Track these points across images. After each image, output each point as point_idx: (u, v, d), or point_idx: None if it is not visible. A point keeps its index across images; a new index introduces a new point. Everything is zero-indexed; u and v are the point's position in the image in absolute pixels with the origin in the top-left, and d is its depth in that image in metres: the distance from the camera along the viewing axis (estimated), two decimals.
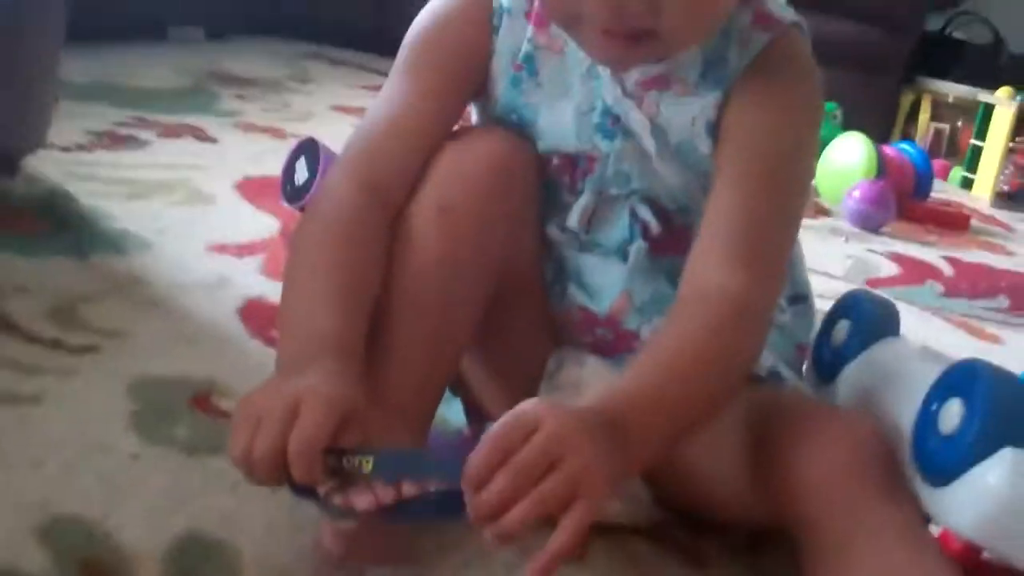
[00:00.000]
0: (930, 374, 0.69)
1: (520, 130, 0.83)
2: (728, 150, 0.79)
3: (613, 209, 0.84)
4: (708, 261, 0.75)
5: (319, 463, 0.61)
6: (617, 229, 0.84)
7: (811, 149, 0.86)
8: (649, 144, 0.81)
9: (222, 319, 0.97)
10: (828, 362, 0.87)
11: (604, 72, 0.81)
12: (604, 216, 0.84)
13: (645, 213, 0.83)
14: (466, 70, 0.84)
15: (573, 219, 0.83)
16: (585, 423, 0.59)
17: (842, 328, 0.87)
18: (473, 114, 0.90)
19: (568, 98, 0.82)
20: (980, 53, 3.86)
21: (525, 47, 0.83)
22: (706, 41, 0.80)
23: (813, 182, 2.52)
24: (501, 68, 0.83)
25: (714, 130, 0.80)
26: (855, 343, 0.85)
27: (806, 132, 0.83)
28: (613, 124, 0.82)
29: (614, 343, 0.84)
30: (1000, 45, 3.87)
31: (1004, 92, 3.08)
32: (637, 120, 0.81)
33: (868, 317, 0.87)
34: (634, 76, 0.81)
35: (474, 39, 0.84)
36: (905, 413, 0.72)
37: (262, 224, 1.31)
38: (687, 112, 0.80)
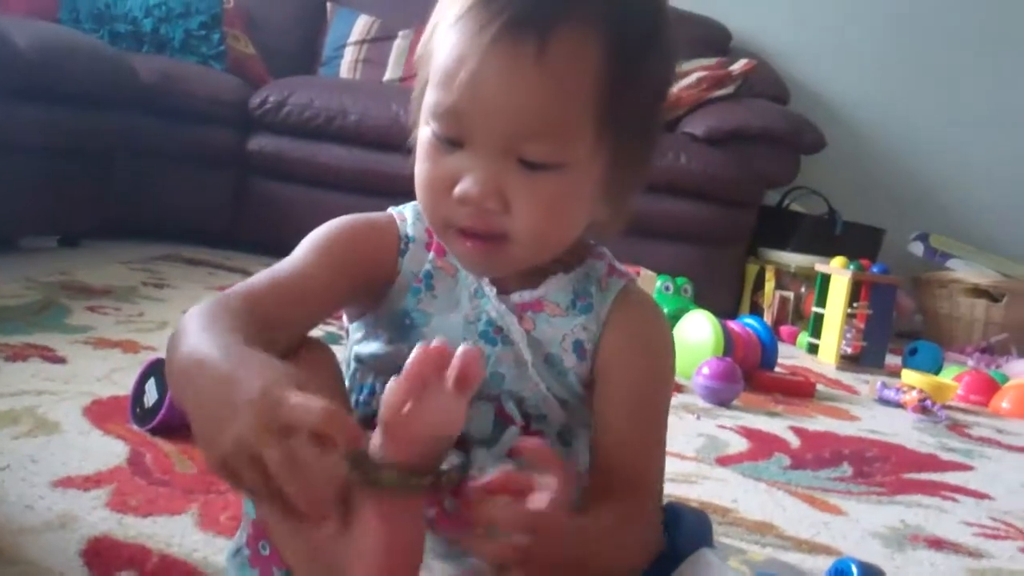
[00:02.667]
0: None
1: (410, 333, 0.95)
2: (608, 392, 0.96)
3: (482, 408, 0.93)
4: (605, 488, 0.90)
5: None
6: (484, 425, 0.94)
7: (672, 378, 1.03)
8: (526, 353, 0.93)
9: (65, 564, 0.95)
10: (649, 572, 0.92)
11: (490, 292, 0.95)
12: (472, 413, 0.90)
13: (512, 409, 0.94)
14: (366, 283, 0.95)
15: None
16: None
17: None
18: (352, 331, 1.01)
19: (458, 311, 0.94)
20: (816, 224, 4.04)
21: (426, 267, 0.96)
22: (564, 271, 0.97)
23: None
24: (405, 284, 0.96)
25: (579, 350, 0.95)
26: (676, 554, 0.91)
27: (667, 365, 1.01)
28: (496, 333, 0.94)
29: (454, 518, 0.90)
30: (833, 215, 4.05)
31: (838, 262, 3.23)
32: (517, 331, 0.94)
33: (685, 530, 0.97)
34: (514, 299, 0.95)
35: (382, 259, 0.96)
36: None
37: (110, 451, 1.29)
38: (559, 331, 0.95)
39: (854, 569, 1.00)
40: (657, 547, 0.92)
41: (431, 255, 0.96)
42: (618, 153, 0.88)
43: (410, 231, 0.97)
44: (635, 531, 0.89)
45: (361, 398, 0.98)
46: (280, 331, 0.85)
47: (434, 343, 0.72)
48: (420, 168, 0.89)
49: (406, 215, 0.98)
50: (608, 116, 0.84)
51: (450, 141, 0.85)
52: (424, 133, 0.88)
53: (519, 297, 0.95)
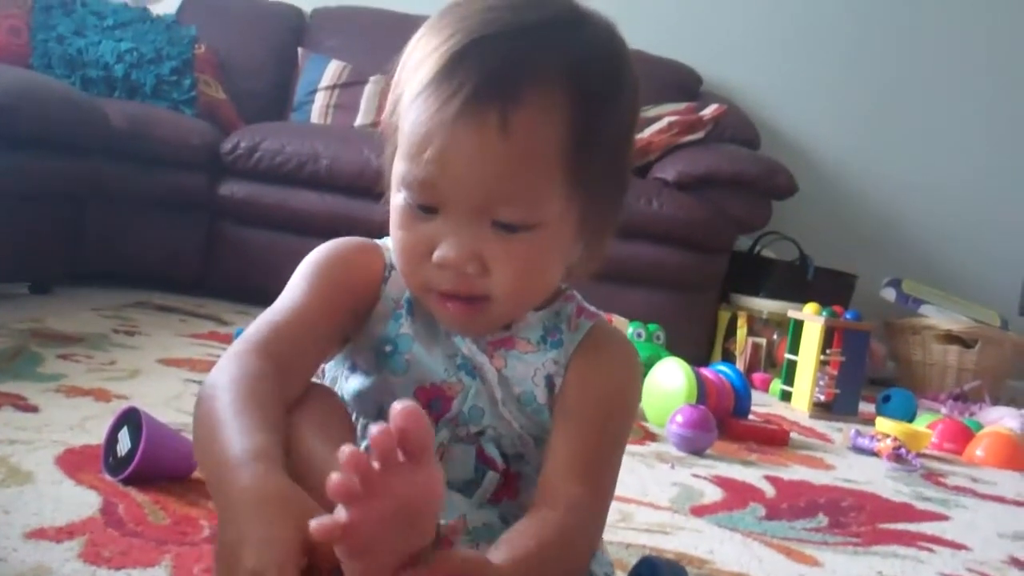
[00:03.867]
0: None
1: (391, 359, 0.95)
2: (569, 408, 0.96)
3: (463, 450, 0.94)
4: (557, 490, 0.90)
5: None
6: (465, 469, 0.95)
7: (635, 407, 1.04)
8: (497, 391, 0.94)
9: None
10: None
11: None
12: (454, 456, 0.94)
13: (492, 451, 0.94)
14: (356, 308, 0.96)
15: None
16: None
17: None
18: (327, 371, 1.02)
19: (436, 343, 0.95)
20: (788, 269, 4.06)
21: (407, 294, 0.97)
22: (535, 308, 0.98)
23: (640, 406, 2.60)
24: (384, 311, 0.96)
25: (550, 383, 0.97)
26: None
27: (628, 396, 1.02)
28: (474, 367, 0.95)
29: None
30: (806, 261, 4.06)
31: (811, 308, 3.24)
32: (489, 370, 0.95)
33: None
34: (486, 338, 0.96)
35: (369, 284, 0.98)
36: None
37: (83, 501, 1.27)
38: (530, 366, 0.96)
39: None
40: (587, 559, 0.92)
41: None
42: (590, 203, 0.90)
43: (394, 259, 0.97)
44: (564, 552, 0.86)
45: None
46: (295, 376, 0.88)
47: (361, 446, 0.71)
48: (397, 235, 0.91)
49: (389, 245, 0.99)
50: (577, 170, 0.86)
51: (424, 208, 0.87)
52: (398, 200, 0.90)
53: (490, 336, 0.96)
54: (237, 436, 0.75)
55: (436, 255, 0.86)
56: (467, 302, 0.88)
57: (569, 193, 0.87)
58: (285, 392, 0.86)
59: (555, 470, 0.91)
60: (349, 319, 0.96)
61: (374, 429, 0.64)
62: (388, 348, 0.95)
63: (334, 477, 0.63)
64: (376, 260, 0.99)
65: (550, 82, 0.84)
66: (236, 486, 0.71)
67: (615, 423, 0.98)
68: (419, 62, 0.86)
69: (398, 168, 0.88)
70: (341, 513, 0.65)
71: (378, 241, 1.01)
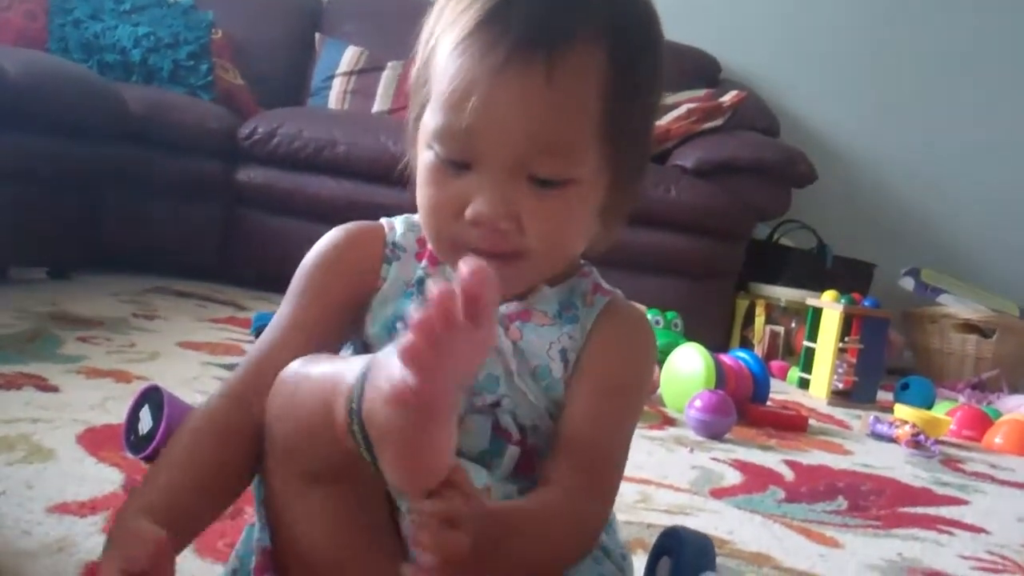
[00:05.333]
0: None
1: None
2: (584, 384, 0.94)
3: (480, 421, 0.92)
4: (561, 466, 0.89)
5: None
6: (480, 439, 0.92)
7: (646, 390, 1.03)
8: (512, 363, 0.92)
9: None
10: None
11: None
12: (471, 427, 0.92)
13: (508, 422, 0.92)
14: (352, 298, 0.95)
15: None
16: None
17: (664, 564, 0.94)
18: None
19: None
20: (806, 258, 4.04)
21: (418, 273, 0.96)
22: (549, 284, 0.96)
23: (659, 392, 2.60)
24: (393, 292, 0.95)
25: (565, 358, 0.94)
26: None
27: (643, 363, 1.01)
28: None
29: None
30: (824, 250, 4.05)
31: (830, 295, 3.23)
32: (504, 342, 0.93)
33: (687, 554, 0.97)
34: (502, 310, 0.94)
35: (365, 268, 0.96)
36: None
37: (104, 478, 1.28)
38: (545, 339, 0.94)
39: None
40: (586, 548, 0.91)
41: (423, 263, 0.96)
42: (619, 166, 0.89)
43: (399, 239, 0.97)
44: (569, 514, 0.87)
45: None
46: None
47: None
48: (425, 192, 0.89)
49: (396, 225, 0.99)
50: (613, 125, 0.86)
51: (457, 164, 0.85)
52: (427, 156, 0.88)
53: (506, 308, 0.95)
54: (153, 488, 0.84)
55: (470, 211, 0.84)
56: (500, 260, 0.86)
57: (603, 150, 0.86)
58: (255, 422, 0.86)
59: (562, 454, 0.91)
60: (345, 321, 0.95)
61: (434, 288, 0.63)
62: (400, 325, 0.93)
63: (406, 340, 0.63)
64: (374, 240, 0.97)
65: (595, 34, 0.83)
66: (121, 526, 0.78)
67: (628, 396, 0.98)
68: (458, 14, 0.84)
69: (430, 123, 0.86)
70: (409, 377, 0.64)
71: (383, 220, 1.00)
